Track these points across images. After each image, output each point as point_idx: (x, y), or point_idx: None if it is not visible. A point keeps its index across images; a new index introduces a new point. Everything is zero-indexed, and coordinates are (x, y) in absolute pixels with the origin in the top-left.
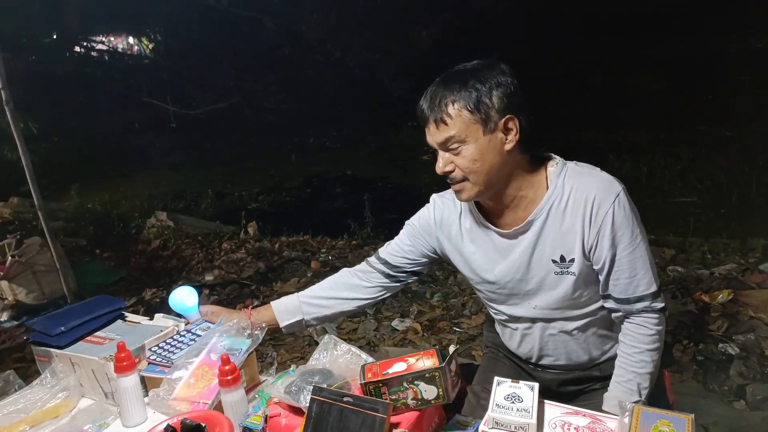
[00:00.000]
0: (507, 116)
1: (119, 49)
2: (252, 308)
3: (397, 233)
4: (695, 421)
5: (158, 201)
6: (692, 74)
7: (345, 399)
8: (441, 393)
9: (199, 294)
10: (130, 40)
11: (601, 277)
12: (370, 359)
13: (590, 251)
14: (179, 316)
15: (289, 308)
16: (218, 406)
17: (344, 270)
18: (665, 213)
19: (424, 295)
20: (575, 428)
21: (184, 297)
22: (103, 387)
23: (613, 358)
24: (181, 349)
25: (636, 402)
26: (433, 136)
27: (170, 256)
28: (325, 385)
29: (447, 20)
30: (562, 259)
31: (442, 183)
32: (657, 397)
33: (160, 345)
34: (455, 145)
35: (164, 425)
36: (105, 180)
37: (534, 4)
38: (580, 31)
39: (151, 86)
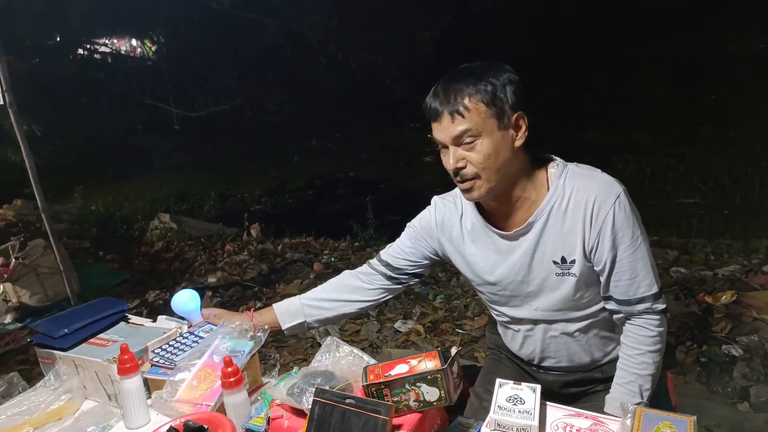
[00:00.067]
0: (519, 112)
1: (121, 51)
2: (254, 310)
3: (399, 235)
4: (698, 423)
5: (161, 203)
6: (693, 74)
7: (347, 401)
8: (443, 395)
9: (202, 296)
10: (133, 42)
11: (602, 279)
12: (373, 361)
13: (591, 252)
14: (182, 318)
15: (291, 310)
16: (221, 408)
17: (346, 272)
18: (668, 214)
19: (426, 296)
20: (577, 430)
21: (186, 300)
22: (107, 389)
23: (615, 359)
24: (184, 351)
25: (638, 404)
26: (447, 130)
27: (173, 258)
28: (327, 387)
29: (448, 21)
30: (563, 260)
31: (445, 184)
32: (659, 398)
33: (163, 347)
34: (470, 140)
35: (167, 427)
36: (108, 182)
37: (534, 4)
38: (580, 31)
39: (153, 88)
